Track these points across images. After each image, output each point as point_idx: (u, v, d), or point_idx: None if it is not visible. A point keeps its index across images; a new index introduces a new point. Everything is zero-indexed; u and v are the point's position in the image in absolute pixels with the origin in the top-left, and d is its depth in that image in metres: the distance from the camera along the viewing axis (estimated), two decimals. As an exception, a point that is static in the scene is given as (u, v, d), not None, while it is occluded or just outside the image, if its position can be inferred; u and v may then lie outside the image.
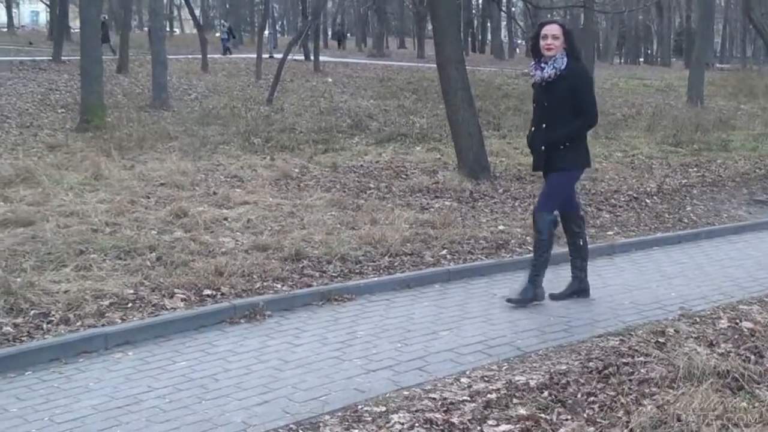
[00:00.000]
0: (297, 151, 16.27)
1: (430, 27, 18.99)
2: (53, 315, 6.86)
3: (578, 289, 7.93)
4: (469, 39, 74.32)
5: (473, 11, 76.37)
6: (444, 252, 9.21)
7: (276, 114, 22.32)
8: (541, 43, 7.42)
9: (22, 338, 6.45)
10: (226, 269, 8.01)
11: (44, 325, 6.67)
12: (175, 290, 7.51)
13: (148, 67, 28.87)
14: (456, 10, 16.66)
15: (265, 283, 7.88)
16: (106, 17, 45.72)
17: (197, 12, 55.15)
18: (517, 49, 74.42)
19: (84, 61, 19.73)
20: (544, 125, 7.49)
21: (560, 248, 8.51)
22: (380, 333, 6.92)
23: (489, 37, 79.76)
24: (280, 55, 33.39)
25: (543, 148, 7.50)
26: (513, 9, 63.65)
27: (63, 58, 33.58)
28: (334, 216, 10.61)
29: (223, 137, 17.70)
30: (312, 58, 39.29)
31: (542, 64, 7.45)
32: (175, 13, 78.73)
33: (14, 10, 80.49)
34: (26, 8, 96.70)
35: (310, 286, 7.94)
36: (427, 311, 7.52)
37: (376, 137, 18.38)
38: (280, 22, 60.95)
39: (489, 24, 77.84)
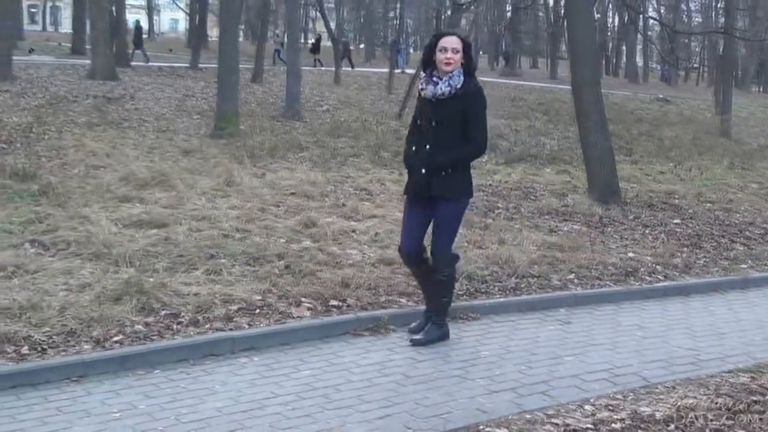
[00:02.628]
0: (425, 167, 16.23)
1: (563, 47, 18.69)
2: (183, 316, 6.99)
3: (442, 334, 7.15)
4: (603, 61, 73.51)
5: (608, 33, 75.45)
6: (571, 276, 9.10)
7: (405, 129, 22.34)
8: (440, 56, 6.66)
9: (153, 337, 6.59)
10: (353, 281, 8.06)
11: (174, 326, 6.81)
12: (302, 299, 7.58)
13: (281, 77, 29.39)
14: (593, 33, 16.45)
15: (389, 297, 7.89)
16: (140, 21, 46.50)
17: (332, 25, 55.84)
18: (652, 74, 73.39)
19: (221, 70, 20.09)
20: (427, 146, 6.73)
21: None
22: (504, 354, 6.87)
23: (623, 60, 78.79)
24: (411, 71, 33.59)
25: (423, 171, 6.75)
26: (650, 32, 62.58)
27: (200, 65, 34.40)
28: (461, 234, 10.53)
29: (353, 150, 17.83)
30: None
31: (435, 78, 6.72)
32: (311, 25, 79.83)
33: (155, 17, 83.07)
34: (166, 16, 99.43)
35: (434, 302, 7.91)
36: (552, 335, 7.44)
37: (506, 157, 18.26)
38: (413, 38, 61.25)
39: (624, 47, 76.91)
